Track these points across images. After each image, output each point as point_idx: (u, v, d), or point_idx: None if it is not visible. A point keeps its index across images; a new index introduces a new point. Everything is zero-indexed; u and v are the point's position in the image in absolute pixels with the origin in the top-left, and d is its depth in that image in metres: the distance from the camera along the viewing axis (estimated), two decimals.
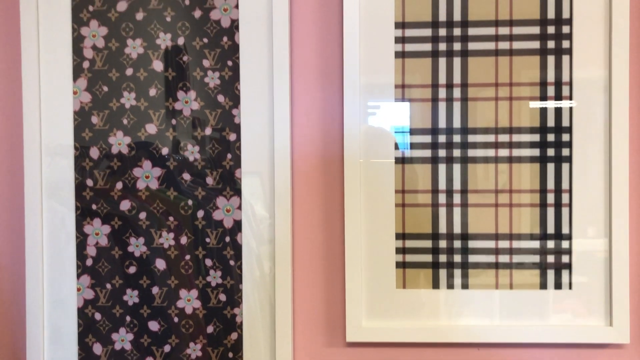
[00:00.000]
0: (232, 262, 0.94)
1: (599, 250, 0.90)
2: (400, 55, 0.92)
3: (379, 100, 0.92)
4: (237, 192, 0.94)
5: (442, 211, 0.92)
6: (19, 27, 0.95)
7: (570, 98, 0.90)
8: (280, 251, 0.92)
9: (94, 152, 0.96)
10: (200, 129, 0.94)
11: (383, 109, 0.93)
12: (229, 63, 0.94)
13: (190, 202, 0.94)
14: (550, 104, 0.91)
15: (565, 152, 0.91)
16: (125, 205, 0.95)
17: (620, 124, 0.89)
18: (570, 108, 0.90)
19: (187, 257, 0.95)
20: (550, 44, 0.90)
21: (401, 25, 0.92)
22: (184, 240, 0.95)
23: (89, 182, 0.96)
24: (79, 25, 0.95)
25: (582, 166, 0.90)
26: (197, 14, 0.94)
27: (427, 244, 0.92)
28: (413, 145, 0.92)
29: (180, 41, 0.94)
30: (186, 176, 0.95)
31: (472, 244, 0.92)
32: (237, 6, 0.93)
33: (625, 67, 0.89)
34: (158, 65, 0.94)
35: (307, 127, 0.94)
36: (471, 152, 0.91)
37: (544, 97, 0.91)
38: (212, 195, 0.94)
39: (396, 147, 0.92)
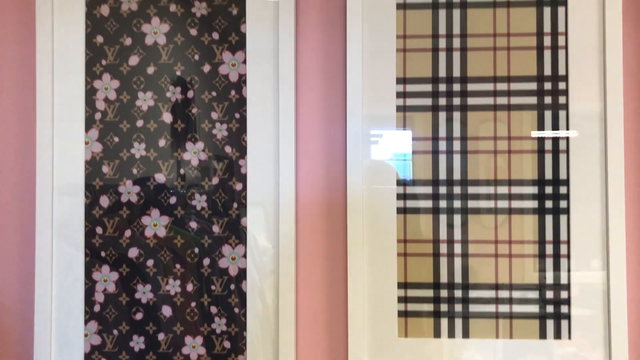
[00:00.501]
0: (236, 310, 0.96)
1: (599, 301, 0.92)
2: (402, 109, 0.95)
3: (380, 154, 0.95)
4: (243, 240, 0.96)
5: (444, 261, 0.94)
6: (35, 79, 0.99)
7: (567, 152, 0.93)
8: (283, 305, 0.94)
9: (104, 201, 0.98)
10: (208, 178, 0.97)
11: (385, 166, 0.96)
12: (237, 115, 0.97)
13: (196, 250, 0.97)
14: (548, 158, 0.94)
15: (563, 204, 0.93)
16: (133, 252, 0.98)
17: (616, 184, 0.91)
18: (567, 161, 0.93)
19: (193, 304, 0.97)
20: (547, 100, 0.94)
21: (402, 80, 0.95)
22: (190, 287, 0.97)
23: (99, 230, 0.98)
24: (92, 79, 0.99)
25: (580, 218, 0.93)
26: (207, 68, 0.97)
27: (429, 293, 0.94)
28: (416, 196, 0.94)
29: (190, 94, 0.97)
30: (193, 224, 0.97)
31: (472, 293, 0.94)
32: (244, 62, 0.97)
33: (620, 123, 0.91)
34: (168, 117, 0.98)
35: (311, 175, 0.97)
36: (472, 204, 0.94)
37: (541, 150, 0.93)
38: (218, 243, 0.97)
39: (399, 196, 0.95)
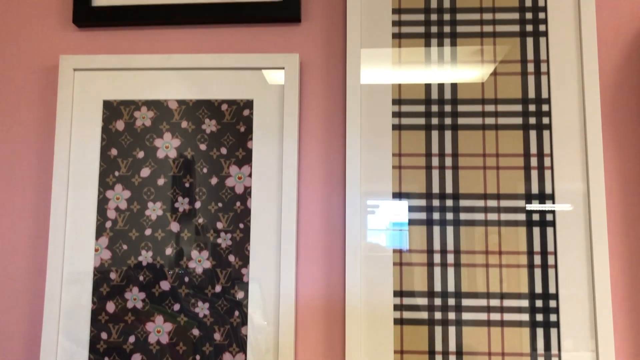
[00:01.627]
0: None
1: None
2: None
3: (379, 264, 1.00)
4: (243, 348, 0.99)
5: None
6: (51, 187, 1.04)
7: (556, 266, 0.98)
8: None
9: (110, 307, 1.01)
10: (211, 286, 1.01)
11: (383, 275, 1.00)
12: (241, 226, 1.02)
13: (198, 357, 0.99)
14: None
15: (553, 318, 0.97)
16: (136, 358, 1.00)
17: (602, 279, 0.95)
18: (556, 273, 0.97)
19: None
20: (535, 215, 0.99)
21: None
22: None
23: (104, 335, 1.01)
24: (105, 189, 1.04)
25: (569, 326, 0.96)
26: (214, 180, 1.03)
27: None
28: (411, 307, 0.98)
29: (197, 205, 1.03)
30: (195, 332, 1.00)
31: None
32: (250, 175, 1.03)
33: (602, 201, 0.96)
34: (175, 227, 1.03)
35: (311, 286, 1.01)
36: (465, 310, 0.97)
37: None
38: (219, 350, 0.99)
39: (396, 308, 0.98)
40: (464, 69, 1.03)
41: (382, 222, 1.00)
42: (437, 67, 1.03)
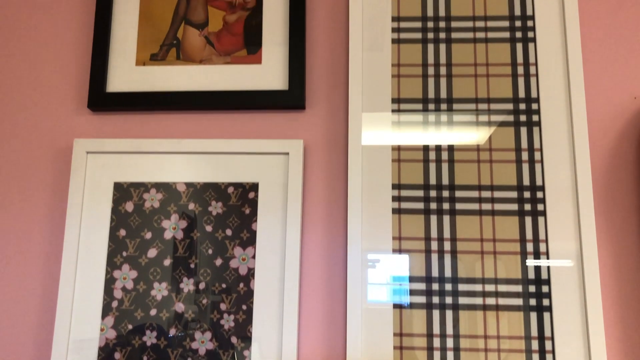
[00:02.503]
0: None
1: None
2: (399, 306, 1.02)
3: (380, 346, 1.01)
4: None
5: None
6: (60, 268, 1.08)
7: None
8: None
9: None
10: None
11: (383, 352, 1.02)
12: (244, 307, 1.04)
13: None
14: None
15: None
16: None
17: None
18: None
19: None
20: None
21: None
22: None
23: None
24: (113, 269, 1.07)
25: None
26: (218, 262, 1.06)
27: None
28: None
29: (202, 286, 1.05)
30: None
31: None
32: (254, 256, 1.06)
33: (595, 254, 0.98)
34: (180, 307, 1.05)
35: None
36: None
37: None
38: None
39: None
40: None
41: (384, 296, 1.02)
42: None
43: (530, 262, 1.02)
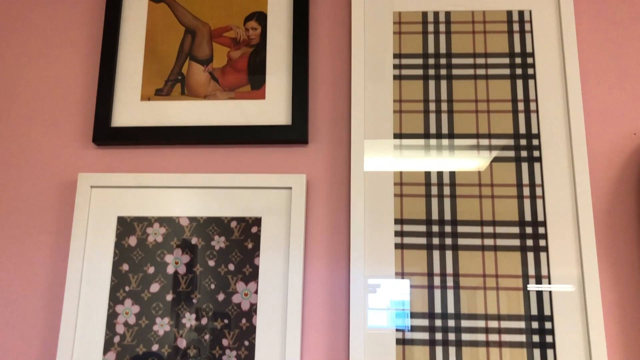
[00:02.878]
0: None
1: None
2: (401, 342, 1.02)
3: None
4: None
5: None
6: (62, 302, 1.07)
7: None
8: None
9: None
10: None
11: None
12: (246, 343, 1.04)
13: None
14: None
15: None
16: None
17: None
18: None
19: None
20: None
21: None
22: None
23: None
24: (115, 303, 1.07)
25: None
26: (221, 297, 1.06)
27: None
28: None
29: (204, 322, 1.05)
30: None
31: None
32: (256, 292, 1.06)
33: (598, 294, 0.98)
34: (182, 343, 1.04)
35: None
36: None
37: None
38: None
39: None
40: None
41: (387, 343, 1.02)
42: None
43: (534, 299, 1.02)
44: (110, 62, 1.19)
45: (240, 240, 1.08)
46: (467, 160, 1.09)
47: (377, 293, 1.04)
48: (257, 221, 1.09)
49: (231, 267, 1.07)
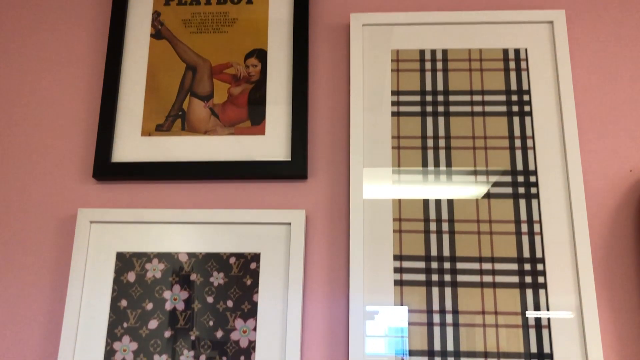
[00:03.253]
0: None
1: None
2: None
3: None
4: None
5: None
6: (60, 338, 1.07)
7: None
8: None
9: None
10: None
11: None
12: None
13: None
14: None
15: None
16: None
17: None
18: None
19: None
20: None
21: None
22: None
23: None
24: (113, 340, 1.06)
25: None
26: (219, 334, 1.05)
27: None
28: None
29: (202, 359, 1.04)
30: None
31: None
32: (255, 329, 1.05)
33: (597, 331, 0.98)
34: None
35: None
36: None
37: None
38: None
39: None
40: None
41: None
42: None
43: (533, 337, 1.02)
44: (111, 98, 1.20)
45: (239, 276, 1.08)
46: (465, 197, 1.10)
47: (375, 320, 1.04)
48: (256, 257, 1.09)
49: (230, 303, 1.07)
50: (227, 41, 1.23)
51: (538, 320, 1.03)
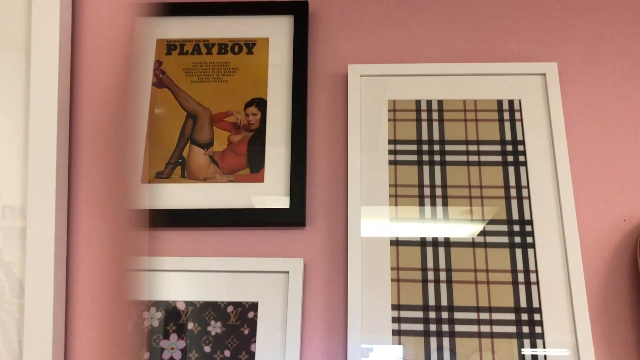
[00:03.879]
0: None
1: None
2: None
3: None
4: None
5: None
6: None
7: None
8: None
9: None
10: None
11: None
12: None
13: None
14: None
15: None
16: None
17: None
18: None
19: None
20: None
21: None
22: None
23: None
24: None
25: None
26: None
27: None
28: None
29: None
30: None
31: None
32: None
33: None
34: None
35: None
36: None
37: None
38: None
39: None
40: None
41: None
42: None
43: None
44: None
45: (236, 325, 1.08)
46: (462, 246, 1.11)
47: None
48: (254, 306, 1.09)
49: (227, 353, 1.06)
50: (227, 90, 1.25)
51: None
